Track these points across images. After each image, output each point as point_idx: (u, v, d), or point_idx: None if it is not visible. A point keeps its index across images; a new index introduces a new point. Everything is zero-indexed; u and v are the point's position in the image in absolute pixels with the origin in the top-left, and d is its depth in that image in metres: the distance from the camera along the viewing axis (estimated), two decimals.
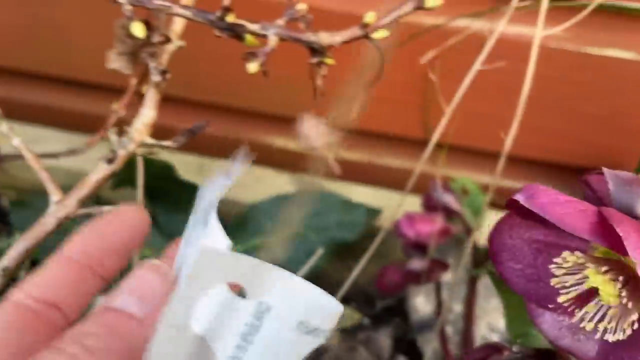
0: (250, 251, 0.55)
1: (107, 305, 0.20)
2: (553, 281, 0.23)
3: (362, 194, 0.57)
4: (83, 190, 0.28)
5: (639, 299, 0.21)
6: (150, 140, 0.28)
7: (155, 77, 0.29)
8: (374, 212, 0.55)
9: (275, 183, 0.57)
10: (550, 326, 0.23)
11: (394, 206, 0.52)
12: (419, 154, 0.60)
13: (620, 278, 0.21)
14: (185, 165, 0.56)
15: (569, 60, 0.52)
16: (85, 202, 0.29)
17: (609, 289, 0.21)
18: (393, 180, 0.57)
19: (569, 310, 0.23)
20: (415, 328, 0.53)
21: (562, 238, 0.23)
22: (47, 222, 0.27)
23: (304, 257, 0.52)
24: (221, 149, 0.58)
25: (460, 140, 0.53)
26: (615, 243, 0.19)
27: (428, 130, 0.53)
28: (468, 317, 0.49)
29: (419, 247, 0.48)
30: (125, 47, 0.30)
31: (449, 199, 0.48)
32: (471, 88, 0.52)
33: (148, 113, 0.29)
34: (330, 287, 0.49)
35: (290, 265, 0.53)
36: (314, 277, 0.53)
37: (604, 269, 0.21)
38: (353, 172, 0.57)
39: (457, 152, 0.56)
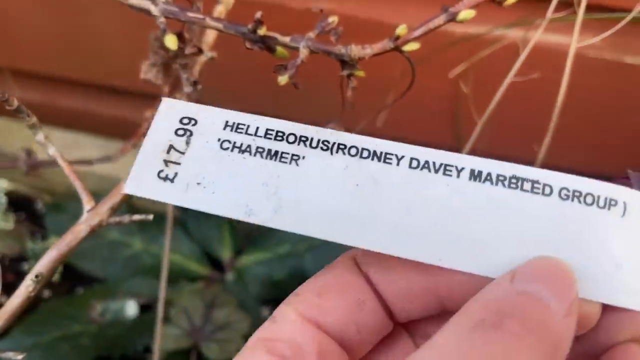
0: (277, 259, 0.55)
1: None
2: None
3: None
4: (116, 198, 0.29)
5: None
6: None
7: (187, 89, 0.30)
8: None
9: None
10: None
11: None
12: None
13: None
14: None
15: (607, 69, 0.51)
16: (117, 209, 0.29)
17: None
18: None
19: None
20: None
21: None
22: (80, 229, 0.28)
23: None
24: None
25: (493, 150, 0.52)
26: None
27: (460, 139, 0.53)
28: None
29: None
30: (158, 59, 0.30)
31: None
32: (505, 97, 0.52)
33: None
34: None
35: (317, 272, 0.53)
36: None
37: None
38: None
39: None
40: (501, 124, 0.52)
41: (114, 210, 0.29)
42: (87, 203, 0.28)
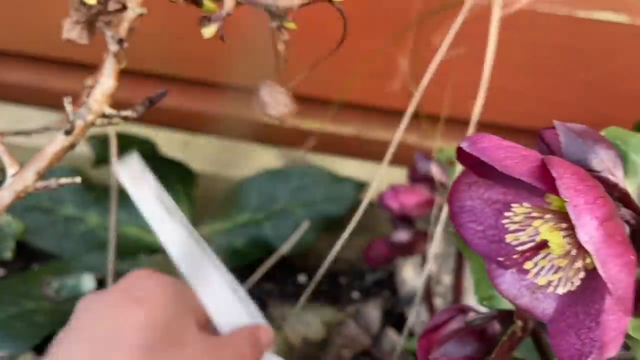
0: (237, 229, 0.55)
1: None
2: (508, 237, 0.22)
3: (349, 167, 0.56)
4: (40, 162, 0.28)
5: (579, 253, 0.20)
6: (109, 111, 0.28)
7: (113, 47, 0.29)
8: (361, 186, 0.54)
9: (263, 159, 0.57)
10: (509, 286, 0.23)
11: (383, 179, 0.52)
12: (407, 126, 0.59)
13: (564, 225, 0.20)
14: (169, 142, 0.55)
15: (560, 24, 0.51)
16: (44, 174, 0.28)
17: (555, 238, 0.20)
18: (381, 153, 0.56)
19: (524, 267, 0.22)
20: (404, 301, 0.52)
21: (520, 196, 0.23)
22: (3, 195, 0.27)
23: (290, 232, 0.52)
24: (205, 125, 0.58)
25: (444, 110, 0.52)
26: (553, 185, 0.18)
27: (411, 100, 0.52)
28: (457, 288, 0.48)
29: (405, 219, 0.47)
30: (81, 16, 0.29)
31: (434, 170, 0.47)
32: (457, 58, 0.51)
33: (107, 82, 0.28)
34: (318, 262, 0.49)
35: (277, 240, 0.52)
36: (302, 252, 0.53)
37: (550, 217, 0.20)
38: (340, 146, 0.57)
39: (448, 124, 0.55)
40: (456, 85, 0.51)
41: (41, 176, 0.28)
42: (10, 167, 0.27)
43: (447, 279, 0.52)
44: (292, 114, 0.27)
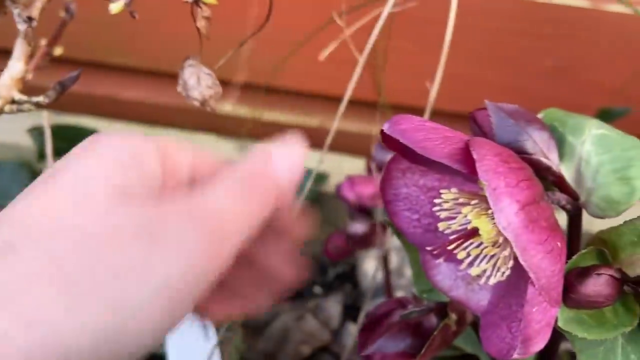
0: None
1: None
2: (440, 225, 0.21)
3: (308, 158, 0.55)
4: None
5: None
6: (19, 96, 0.26)
7: (20, 26, 0.27)
8: (321, 178, 0.52)
9: (221, 150, 0.55)
10: (444, 277, 0.22)
11: (343, 170, 0.50)
12: (365, 116, 0.58)
13: (492, 212, 0.19)
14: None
15: (519, 10, 0.50)
16: None
17: (483, 225, 0.19)
18: (341, 144, 0.55)
19: (458, 257, 0.21)
20: (366, 294, 0.51)
21: (454, 182, 0.21)
22: None
23: None
24: (146, 114, 0.56)
25: (400, 99, 0.51)
26: (475, 168, 0.17)
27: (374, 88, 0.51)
28: None
29: (362, 210, 0.46)
30: None
31: None
32: (408, 45, 0.50)
33: (16, 66, 0.26)
34: None
35: None
36: None
37: (477, 203, 0.19)
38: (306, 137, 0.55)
39: (402, 112, 0.53)
40: (406, 73, 0.50)
41: None
42: None
43: (409, 272, 0.51)
44: (217, 97, 0.26)
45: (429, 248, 0.21)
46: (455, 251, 0.20)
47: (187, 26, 0.26)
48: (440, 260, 0.21)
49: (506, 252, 0.19)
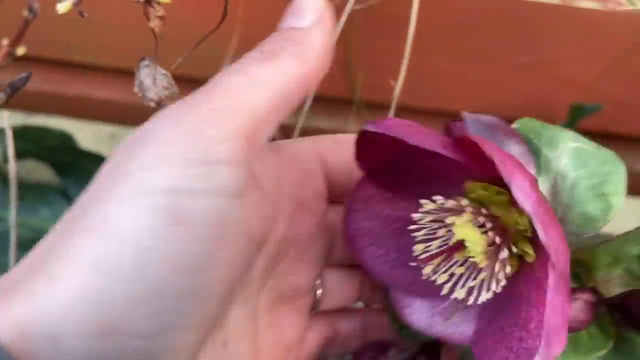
0: None
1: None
2: (416, 248, 0.20)
3: None
4: None
5: (504, 243, 0.19)
6: None
7: None
8: None
9: None
10: (419, 315, 0.21)
11: None
12: (335, 113, 0.58)
13: (482, 220, 0.19)
14: (96, 135, 0.53)
15: (491, 5, 0.50)
16: None
17: (472, 235, 0.19)
18: None
19: (438, 280, 0.20)
20: None
21: (430, 193, 0.21)
22: None
23: None
24: (117, 114, 0.55)
25: (371, 95, 0.51)
26: (472, 161, 0.17)
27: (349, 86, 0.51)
28: None
29: None
30: None
31: None
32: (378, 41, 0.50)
33: None
34: None
35: None
36: None
37: (465, 212, 0.19)
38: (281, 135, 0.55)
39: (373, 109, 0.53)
40: (387, 71, 0.50)
41: None
42: None
43: None
44: (173, 98, 0.26)
45: (405, 285, 0.21)
46: (433, 276, 0.20)
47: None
48: (413, 297, 0.21)
49: (504, 254, 0.19)
